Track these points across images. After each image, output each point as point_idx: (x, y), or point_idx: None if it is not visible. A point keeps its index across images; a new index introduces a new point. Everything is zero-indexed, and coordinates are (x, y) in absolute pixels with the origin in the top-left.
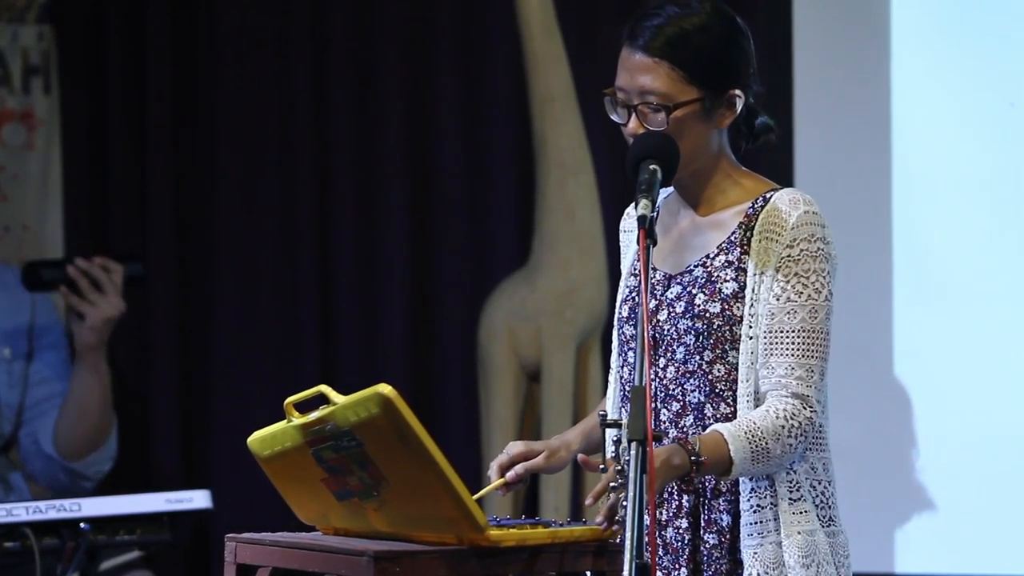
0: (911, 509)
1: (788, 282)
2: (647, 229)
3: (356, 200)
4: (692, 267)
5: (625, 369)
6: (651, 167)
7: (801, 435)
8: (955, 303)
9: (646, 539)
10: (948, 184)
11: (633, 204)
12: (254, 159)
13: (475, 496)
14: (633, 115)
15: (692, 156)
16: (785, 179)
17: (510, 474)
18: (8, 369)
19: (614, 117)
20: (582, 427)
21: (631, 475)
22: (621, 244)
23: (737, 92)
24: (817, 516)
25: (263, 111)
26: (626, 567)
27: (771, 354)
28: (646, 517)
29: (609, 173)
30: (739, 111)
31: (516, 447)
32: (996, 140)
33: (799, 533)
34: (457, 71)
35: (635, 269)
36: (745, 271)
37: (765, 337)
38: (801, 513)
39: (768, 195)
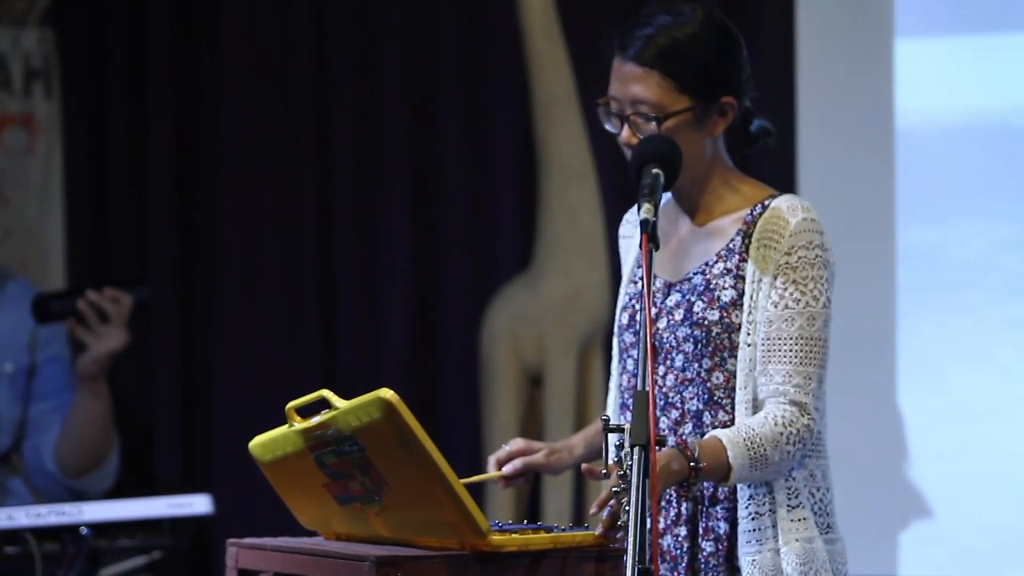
0: (913, 514)
1: (786, 289)
2: (649, 233)
3: (358, 204)
4: (691, 275)
5: (625, 376)
6: (654, 171)
7: (799, 442)
8: (958, 308)
9: (648, 544)
10: (952, 188)
11: (634, 208)
12: (256, 162)
13: (466, 481)
14: (626, 125)
15: (686, 164)
16: (787, 183)
17: (507, 467)
18: (10, 384)
19: (608, 127)
20: (585, 433)
21: (633, 480)
22: (620, 251)
23: (729, 100)
24: (816, 523)
25: (266, 113)
26: (629, 572)
27: (769, 361)
28: (648, 522)
29: (612, 177)
30: (732, 118)
31: (517, 443)
32: (1001, 143)
33: (797, 541)
34: (459, 75)
35: (635, 276)
36: (744, 279)
37: (763, 344)
38: (799, 520)
39: (767, 202)
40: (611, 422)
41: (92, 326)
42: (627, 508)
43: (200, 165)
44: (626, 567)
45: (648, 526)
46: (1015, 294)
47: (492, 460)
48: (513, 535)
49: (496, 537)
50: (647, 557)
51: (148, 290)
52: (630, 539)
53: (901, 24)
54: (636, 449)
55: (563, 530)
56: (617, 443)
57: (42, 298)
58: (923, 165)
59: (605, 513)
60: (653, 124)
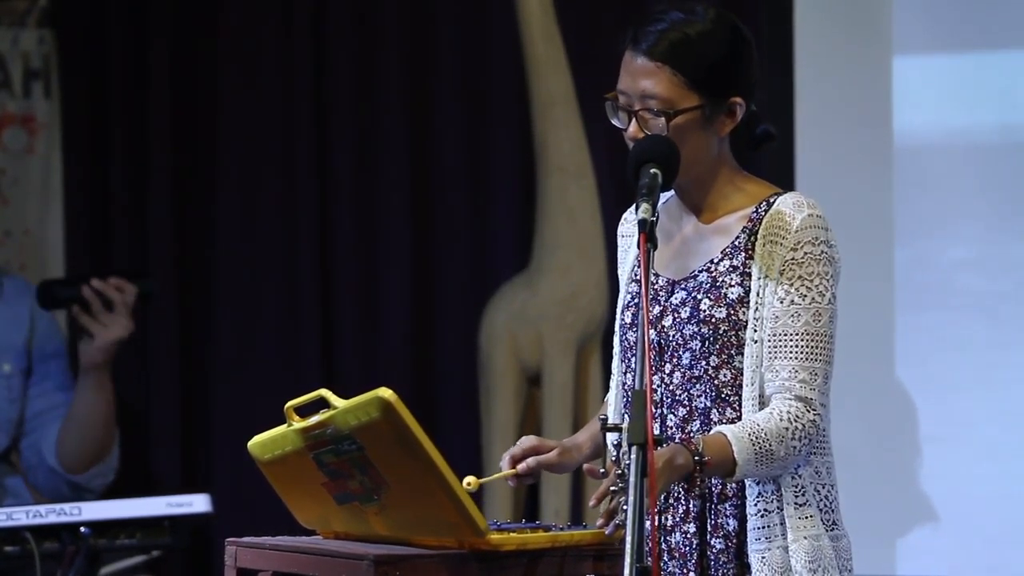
0: (912, 512)
1: (792, 285)
2: (648, 233)
3: (357, 204)
4: (696, 272)
5: (628, 375)
6: (652, 171)
7: (805, 438)
8: (956, 307)
9: (647, 543)
10: (950, 188)
11: (632, 208)
12: (256, 162)
13: (482, 480)
14: (633, 120)
15: (691, 163)
16: (786, 184)
17: (521, 466)
18: (8, 384)
19: (615, 121)
20: (591, 431)
21: (631, 479)
22: (619, 249)
23: (738, 100)
24: (822, 520)
25: (265, 114)
26: (627, 571)
27: (775, 357)
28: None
29: (610, 177)
30: (739, 119)
31: (529, 440)
32: (998, 146)
33: (805, 538)
34: (458, 76)
35: (635, 275)
36: (750, 275)
37: (769, 340)
38: (807, 518)
39: (772, 199)
40: (611, 421)
41: (96, 314)
42: (625, 507)
43: (200, 166)
44: (624, 566)
45: (646, 525)
46: (1012, 292)
47: (506, 458)
48: (511, 534)
49: (494, 536)
50: (645, 556)
51: (154, 283)
52: (628, 538)
53: (899, 24)
54: (634, 448)
55: (561, 529)
56: (616, 442)
57: (46, 284)
58: (921, 163)
59: (603, 507)
60: (661, 120)
